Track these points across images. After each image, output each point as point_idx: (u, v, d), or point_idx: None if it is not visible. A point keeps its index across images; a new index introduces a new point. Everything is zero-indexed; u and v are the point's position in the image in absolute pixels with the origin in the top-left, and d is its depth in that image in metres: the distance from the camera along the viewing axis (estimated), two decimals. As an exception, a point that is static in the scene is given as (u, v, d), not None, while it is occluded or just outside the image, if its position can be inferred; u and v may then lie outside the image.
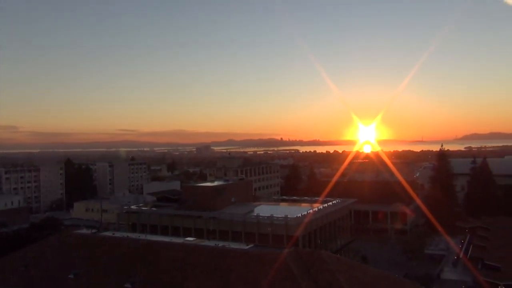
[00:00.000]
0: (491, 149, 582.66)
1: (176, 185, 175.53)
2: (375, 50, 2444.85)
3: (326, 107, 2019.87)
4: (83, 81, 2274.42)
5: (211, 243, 51.78)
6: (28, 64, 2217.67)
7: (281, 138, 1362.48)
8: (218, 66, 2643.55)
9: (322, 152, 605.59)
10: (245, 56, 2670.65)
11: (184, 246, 49.26)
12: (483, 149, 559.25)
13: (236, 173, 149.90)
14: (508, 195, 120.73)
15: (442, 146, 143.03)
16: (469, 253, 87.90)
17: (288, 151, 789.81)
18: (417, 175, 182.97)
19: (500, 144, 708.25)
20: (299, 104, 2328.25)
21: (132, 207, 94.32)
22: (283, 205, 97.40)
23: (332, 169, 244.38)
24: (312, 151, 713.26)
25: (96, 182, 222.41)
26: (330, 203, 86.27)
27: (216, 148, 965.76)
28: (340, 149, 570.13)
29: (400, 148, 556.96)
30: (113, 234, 60.03)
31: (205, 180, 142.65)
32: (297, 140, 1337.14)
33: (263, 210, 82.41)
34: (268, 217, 73.81)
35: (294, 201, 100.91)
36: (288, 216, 72.12)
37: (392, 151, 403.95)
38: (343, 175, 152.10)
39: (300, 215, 72.95)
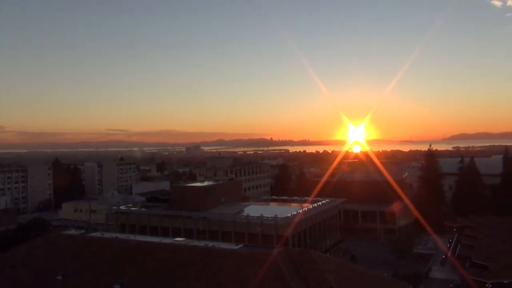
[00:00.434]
0: (478, 149, 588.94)
1: (165, 185, 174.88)
2: (364, 51, 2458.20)
3: (316, 107, 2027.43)
4: (72, 81, 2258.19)
5: (201, 243, 51.67)
6: (15, 63, 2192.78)
7: (271, 138, 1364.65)
8: (208, 66, 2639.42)
9: (311, 152, 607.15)
10: (235, 56, 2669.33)
11: (174, 246, 49.10)
12: (470, 149, 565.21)
13: (226, 173, 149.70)
14: (495, 195, 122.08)
15: (430, 146, 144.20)
16: (457, 252, 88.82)
17: (278, 151, 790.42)
18: (406, 174, 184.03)
19: (487, 144, 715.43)
20: (289, 104, 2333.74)
21: (121, 207, 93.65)
22: (273, 205, 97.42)
23: (322, 169, 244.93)
24: (302, 151, 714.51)
25: (84, 183, 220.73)
26: (320, 203, 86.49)
27: (206, 148, 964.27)
28: (329, 149, 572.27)
29: (389, 148, 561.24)
30: (102, 234, 59.68)
31: (194, 180, 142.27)
32: (287, 140, 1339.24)
33: (253, 210, 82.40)
34: (258, 217, 73.78)
35: (284, 201, 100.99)
36: (278, 216, 72.17)
37: (381, 151, 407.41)
38: (332, 175, 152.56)
39: (289, 215, 73.02)
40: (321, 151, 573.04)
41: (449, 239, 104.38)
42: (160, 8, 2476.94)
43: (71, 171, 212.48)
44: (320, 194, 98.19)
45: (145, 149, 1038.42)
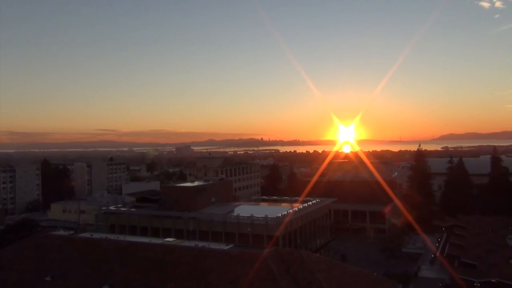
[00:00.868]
0: (467, 149, 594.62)
1: (155, 186, 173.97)
2: (355, 53, 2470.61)
3: (307, 107, 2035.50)
4: (61, 80, 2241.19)
5: (191, 244, 51.45)
6: (2, 64, 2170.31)
7: (262, 138, 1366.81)
8: (199, 66, 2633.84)
9: (302, 152, 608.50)
10: (226, 57, 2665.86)
11: (164, 247, 48.82)
12: (459, 149, 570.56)
13: (216, 173, 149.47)
14: (484, 194, 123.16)
15: (419, 146, 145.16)
16: (445, 251, 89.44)
17: (268, 151, 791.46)
18: (396, 174, 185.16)
19: (476, 144, 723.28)
20: (279, 105, 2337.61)
21: (111, 208, 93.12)
22: (263, 205, 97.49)
23: (312, 169, 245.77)
24: (292, 151, 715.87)
25: (73, 183, 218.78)
26: (310, 203, 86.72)
27: (196, 148, 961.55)
28: (320, 149, 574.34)
29: (379, 148, 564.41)
30: (91, 235, 59.16)
31: (185, 180, 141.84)
32: (278, 140, 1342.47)
33: (243, 210, 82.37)
34: (248, 217, 73.77)
35: (274, 201, 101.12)
36: (268, 216, 72.21)
37: (371, 151, 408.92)
38: (323, 174, 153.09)
39: (280, 215, 73.11)
40: (311, 151, 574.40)
41: (438, 238, 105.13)
42: (151, 8, 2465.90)
43: (60, 171, 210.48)
44: (311, 194, 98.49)
45: (135, 149, 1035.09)
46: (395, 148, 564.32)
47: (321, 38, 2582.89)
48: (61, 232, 61.73)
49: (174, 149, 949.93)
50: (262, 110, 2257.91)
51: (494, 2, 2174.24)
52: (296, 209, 79.74)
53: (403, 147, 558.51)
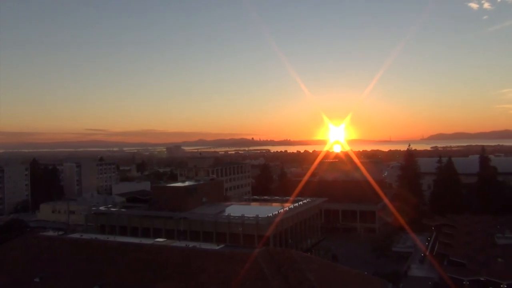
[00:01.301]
0: (456, 148, 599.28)
1: (146, 186, 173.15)
2: (344, 53, 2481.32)
3: (297, 107, 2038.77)
4: (50, 80, 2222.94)
5: (181, 244, 51.40)
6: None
7: (253, 138, 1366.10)
8: (189, 66, 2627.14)
9: (293, 152, 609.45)
10: (217, 56, 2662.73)
11: (154, 247, 48.71)
12: (448, 149, 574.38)
13: (207, 173, 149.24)
14: (472, 194, 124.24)
15: (409, 146, 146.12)
16: (435, 250, 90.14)
17: (259, 151, 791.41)
18: (385, 174, 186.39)
19: (465, 144, 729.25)
20: (270, 105, 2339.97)
21: (101, 208, 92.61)
22: (254, 205, 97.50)
23: (303, 168, 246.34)
24: (283, 151, 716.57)
25: (63, 183, 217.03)
26: (301, 203, 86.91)
27: (187, 148, 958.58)
28: (310, 148, 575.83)
29: (369, 147, 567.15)
30: (81, 236, 58.84)
31: (175, 181, 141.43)
32: (268, 140, 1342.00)
33: (234, 210, 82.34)
34: (239, 217, 73.76)
35: (265, 200, 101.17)
36: (259, 216, 72.25)
37: (361, 150, 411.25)
38: (313, 174, 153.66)
39: (271, 214, 73.18)
40: (302, 151, 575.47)
41: (428, 237, 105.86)
42: (139, 7, 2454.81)
43: (49, 172, 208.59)
44: (301, 194, 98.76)
45: (125, 149, 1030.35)
46: (385, 148, 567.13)
47: (312, 39, 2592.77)
48: (51, 233, 61.36)
49: (164, 149, 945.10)
50: (253, 110, 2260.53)
51: (483, 4, 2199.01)
52: (287, 209, 79.87)
53: (393, 147, 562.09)
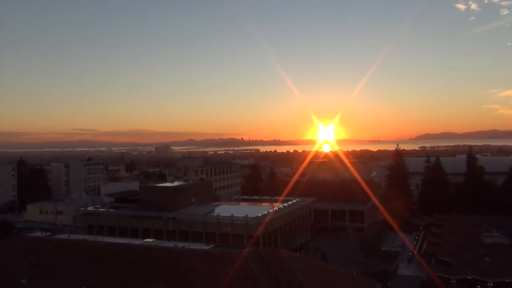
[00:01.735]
0: (443, 148, 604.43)
1: (134, 186, 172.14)
2: (333, 54, 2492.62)
3: (287, 107, 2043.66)
4: (37, 78, 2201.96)
5: (170, 244, 51.16)
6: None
7: (242, 138, 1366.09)
8: (177, 65, 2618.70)
9: (282, 152, 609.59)
10: (206, 56, 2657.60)
11: (143, 247, 48.42)
12: (436, 149, 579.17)
13: (196, 173, 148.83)
14: (460, 193, 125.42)
15: (397, 145, 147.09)
16: (423, 249, 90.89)
17: (248, 151, 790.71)
18: (374, 174, 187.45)
19: (452, 144, 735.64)
20: (260, 104, 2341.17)
21: (89, 208, 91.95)
22: (244, 205, 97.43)
23: (293, 168, 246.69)
24: (272, 150, 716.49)
25: (50, 183, 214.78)
26: (290, 202, 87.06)
27: (176, 148, 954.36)
28: (300, 148, 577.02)
29: (358, 147, 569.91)
30: (69, 236, 58.29)
31: (164, 180, 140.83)
32: (258, 140, 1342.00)
33: (224, 210, 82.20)
34: (228, 217, 73.68)
35: (255, 200, 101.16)
36: (249, 216, 72.24)
37: (350, 150, 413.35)
38: (303, 174, 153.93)
39: (260, 214, 73.21)
40: (291, 151, 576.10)
41: (416, 236, 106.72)
42: (130, 7, 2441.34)
43: (36, 172, 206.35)
44: (291, 194, 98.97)
45: (113, 149, 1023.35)
46: (374, 148, 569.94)
47: (302, 39, 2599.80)
48: (38, 234, 60.73)
49: (153, 149, 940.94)
50: (243, 110, 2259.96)
51: (470, 5, 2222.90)
52: (276, 208, 79.96)
53: (382, 147, 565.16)
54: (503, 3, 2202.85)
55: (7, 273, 45.84)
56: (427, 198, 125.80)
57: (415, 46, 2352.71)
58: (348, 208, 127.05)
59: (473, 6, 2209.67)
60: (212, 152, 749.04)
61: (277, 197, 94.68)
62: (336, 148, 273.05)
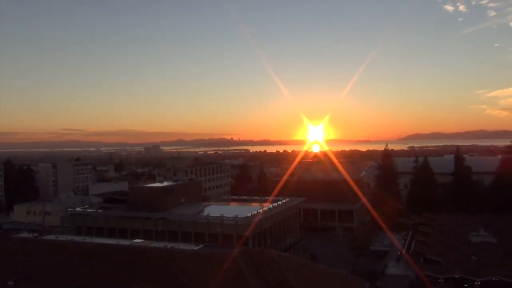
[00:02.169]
0: (432, 148, 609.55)
1: (123, 186, 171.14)
2: (323, 54, 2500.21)
3: (276, 107, 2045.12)
4: (25, 78, 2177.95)
5: (160, 245, 50.97)
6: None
7: (232, 138, 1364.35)
8: (167, 65, 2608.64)
9: (272, 152, 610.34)
10: (195, 55, 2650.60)
11: (132, 248, 48.15)
12: (424, 149, 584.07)
13: (185, 173, 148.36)
14: (448, 193, 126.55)
15: (386, 145, 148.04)
16: (411, 249, 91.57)
17: (238, 151, 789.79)
18: (363, 174, 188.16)
19: (440, 144, 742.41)
20: (249, 104, 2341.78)
21: (77, 209, 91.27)
22: (233, 205, 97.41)
23: (282, 168, 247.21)
24: (262, 151, 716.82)
25: (38, 184, 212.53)
26: (280, 202, 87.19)
27: (166, 148, 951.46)
28: (289, 148, 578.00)
29: (347, 147, 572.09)
30: (57, 237, 57.79)
31: (154, 181, 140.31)
32: (248, 140, 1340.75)
33: (213, 210, 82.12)
34: (218, 217, 73.58)
35: (244, 200, 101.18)
36: (238, 216, 72.21)
37: (339, 150, 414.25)
38: (292, 174, 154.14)
39: (250, 214, 73.24)
40: (281, 151, 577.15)
41: (404, 236, 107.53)
42: (116, 6, 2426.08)
43: (24, 172, 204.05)
44: (280, 194, 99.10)
45: (102, 149, 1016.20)
46: (363, 148, 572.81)
47: (291, 40, 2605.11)
48: (25, 235, 60.16)
49: (142, 149, 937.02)
50: (232, 110, 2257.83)
51: (458, 6, 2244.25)
52: (266, 208, 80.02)
53: (371, 147, 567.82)
54: (490, 4, 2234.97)
55: (-6, 275, 45.32)
56: (415, 198, 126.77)
57: (404, 47, 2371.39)
58: (338, 208, 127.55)
59: (461, 7, 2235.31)
60: (202, 152, 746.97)
61: (266, 197, 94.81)
62: (326, 148, 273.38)
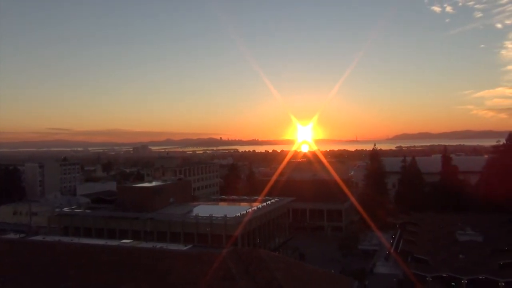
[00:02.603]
0: (419, 148, 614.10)
1: (111, 186, 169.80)
2: (311, 54, 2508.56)
3: (265, 107, 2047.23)
4: (11, 77, 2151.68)
5: (148, 245, 50.75)
6: None
7: (221, 138, 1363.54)
8: (155, 64, 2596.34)
9: (261, 152, 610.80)
10: (184, 55, 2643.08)
11: (120, 248, 47.88)
12: (412, 149, 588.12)
13: (174, 173, 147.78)
14: (435, 192, 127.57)
15: (375, 145, 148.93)
16: (399, 248, 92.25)
17: (227, 151, 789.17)
18: (352, 173, 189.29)
19: (428, 144, 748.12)
20: (238, 104, 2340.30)
21: (65, 209, 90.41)
22: (222, 205, 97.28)
23: (271, 168, 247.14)
24: (251, 150, 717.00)
25: (24, 184, 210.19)
26: (269, 202, 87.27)
27: (154, 148, 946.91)
28: (278, 148, 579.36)
29: (336, 147, 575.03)
30: (44, 238, 57.27)
31: (142, 181, 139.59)
32: (237, 139, 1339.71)
33: (202, 210, 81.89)
34: (207, 217, 73.43)
35: (233, 200, 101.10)
36: (227, 216, 72.14)
37: (328, 150, 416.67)
38: (281, 174, 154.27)
39: (239, 214, 73.20)
40: (270, 151, 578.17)
41: (392, 235, 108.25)
42: (102, 6, 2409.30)
43: (9, 172, 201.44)
44: (270, 193, 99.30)
45: (90, 149, 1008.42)
46: (352, 148, 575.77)
47: (279, 40, 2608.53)
48: (11, 236, 59.58)
49: (131, 149, 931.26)
50: (221, 109, 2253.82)
51: (445, 7, 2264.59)
52: (255, 208, 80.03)
53: (360, 147, 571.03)
54: (476, 6, 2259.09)
55: (-21, 276, 44.71)
56: (403, 197, 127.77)
57: (391, 48, 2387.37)
58: (326, 207, 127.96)
59: (448, 8, 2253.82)
60: (191, 152, 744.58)
61: (255, 197, 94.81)
62: (315, 148, 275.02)
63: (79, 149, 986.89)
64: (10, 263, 46.53)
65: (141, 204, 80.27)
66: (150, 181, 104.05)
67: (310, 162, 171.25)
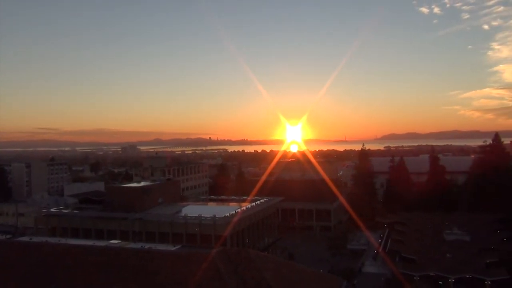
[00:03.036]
0: (407, 148, 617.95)
1: (100, 186, 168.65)
2: (300, 54, 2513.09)
3: (254, 107, 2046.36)
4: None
5: (137, 245, 50.52)
6: None
7: (210, 138, 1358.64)
8: (144, 63, 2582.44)
9: (250, 152, 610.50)
10: (172, 54, 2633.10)
11: (108, 249, 47.59)
12: (400, 149, 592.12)
13: (163, 173, 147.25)
14: (423, 192, 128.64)
15: (363, 145, 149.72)
16: (387, 247, 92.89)
17: (216, 151, 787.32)
18: (341, 173, 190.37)
19: (416, 144, 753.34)
20: (227, 104, 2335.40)
21: (52, 210, 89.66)
22: (211, 205, 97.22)
23: (260, 168, 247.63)
24: (240, 150, 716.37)
25: (11, 184, 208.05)
26: (258, 202, 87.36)
27: (143, 148, 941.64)
28: (268, 148, 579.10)
29: (325, 147, 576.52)
30: (30, 239, 56.69)
31: (131, 181, 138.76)
32: (226, 139, 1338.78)
33: (191, 210, 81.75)
34: (196, 217, 73.34)
35: (223, 200, 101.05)
36: (216, 216, 72.11)
37: (317, 150, 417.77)
38: (271, 174, 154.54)
39: (228, 214, 73.19)
40: (259, 151, 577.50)
41: (381, 234, 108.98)
42: (86, 4, 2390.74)
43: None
44: (259, 193, 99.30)
45: (77, 148, 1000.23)
46: (341, 148, 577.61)
47: (268, 40, 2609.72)
48: (-3, 237, 58.68)
49: (119, 149, 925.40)
50: (210, 109, 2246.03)
51: (433, 8, 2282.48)
52: (244, 208, 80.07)
53: (348, 147, 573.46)
54: (464, 7, 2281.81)
55: (-35, 278, 44.13)
56: (391, 197, 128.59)
57: (379, 48, 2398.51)
58: (315, 207, 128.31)
59: (436, 10, 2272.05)
60: (180, 152, 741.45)
61: (245, 197, 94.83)
62: (304, 148, 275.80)
63: (66, 149, 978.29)
64: (-4, 264, 45.99)
65: (130, 205, 79.86)
66: (138, 181, 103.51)
67: (299, 162, 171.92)
